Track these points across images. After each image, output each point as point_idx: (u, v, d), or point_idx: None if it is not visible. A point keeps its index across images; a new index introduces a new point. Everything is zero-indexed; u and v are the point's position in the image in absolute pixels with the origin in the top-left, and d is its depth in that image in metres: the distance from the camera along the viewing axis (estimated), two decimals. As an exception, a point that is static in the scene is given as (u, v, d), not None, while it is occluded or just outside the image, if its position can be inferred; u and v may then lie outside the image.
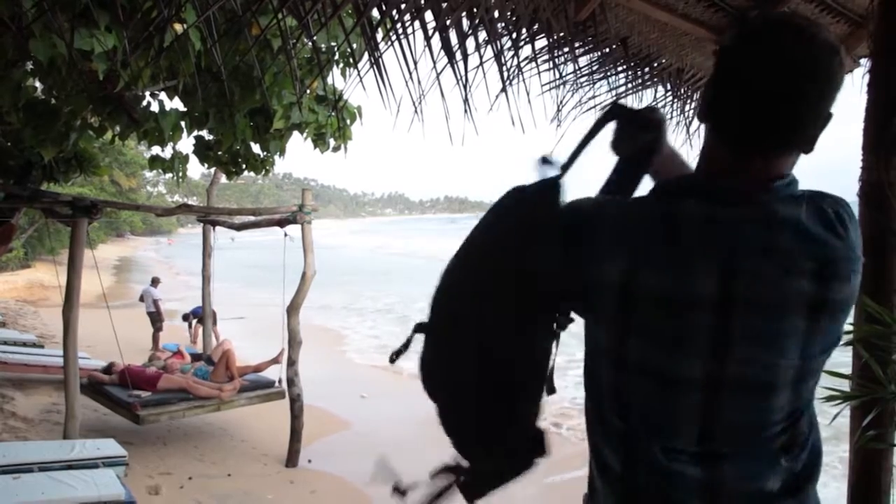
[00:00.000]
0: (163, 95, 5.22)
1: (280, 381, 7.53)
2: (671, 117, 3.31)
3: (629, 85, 3.13)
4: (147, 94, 5.05)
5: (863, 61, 3.53)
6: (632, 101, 3.18)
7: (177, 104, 5.30)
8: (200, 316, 11.40)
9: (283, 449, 6.97)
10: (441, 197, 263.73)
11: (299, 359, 7.20)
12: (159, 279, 14.66)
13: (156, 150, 5.95)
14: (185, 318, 13.32)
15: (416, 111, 2.12)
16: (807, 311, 1.02)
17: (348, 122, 5.50)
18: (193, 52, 3.27)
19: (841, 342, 2.54)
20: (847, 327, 2.61)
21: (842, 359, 2.79)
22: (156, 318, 13.22)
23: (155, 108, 4.92)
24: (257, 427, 7.90)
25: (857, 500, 2.56)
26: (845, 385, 2.59)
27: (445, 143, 2.11)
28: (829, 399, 2.51)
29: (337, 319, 17.52)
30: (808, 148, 1.09)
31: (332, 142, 5.68)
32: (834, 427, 2.87)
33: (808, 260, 1.01)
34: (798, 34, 1.00)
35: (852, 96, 2.92)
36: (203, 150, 6.08)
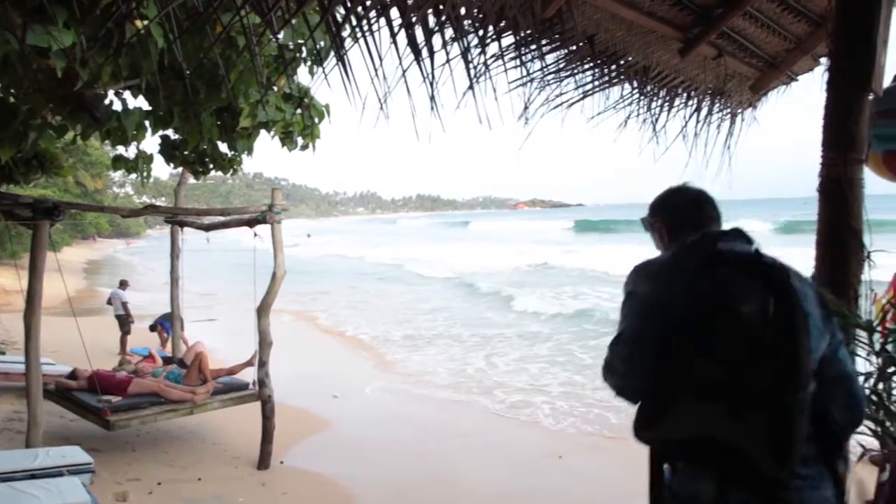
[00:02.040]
0: (126, 94, 5.12)
1: (254, 383, 7.45)
2: (637, 115, 3.35)
3: (596, 82, 3.15)
4: (110, 92, 4.95)
5: (822, 60, 3.62)
6: (598, 98, 3.21)
7: (141, 103, 5.22)
8: (165, 325, 11.24)
9: (256, 451, 6.89)
10: (413, 195, 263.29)
11: (269, 360, 7.13)
12: (127, 282, 14.42)
13: (120, 149, 5.84)
14: (153, 328, 13.10)
15: (382, 108, 2.10)
16: None
17: (316, 120, 5.45)
18: (156, 49, 3.21)
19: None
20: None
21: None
22: (124, 322, 12.99)
23: (118, 106, 4.82)
24: (230, 429, 7.80)
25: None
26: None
27: (417, 142, 2.10)
28: (791, 390, 2.57)
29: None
30: None
31: (300, 140, 5.63)
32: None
33: None
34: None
35: (812, 94, 2.99)
36: (169, 150, 5.97)
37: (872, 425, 2.49)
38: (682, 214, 1.80)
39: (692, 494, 1.54)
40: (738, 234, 1.68)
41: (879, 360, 2.49)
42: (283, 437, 7.17)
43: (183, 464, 6.81)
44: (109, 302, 13.47)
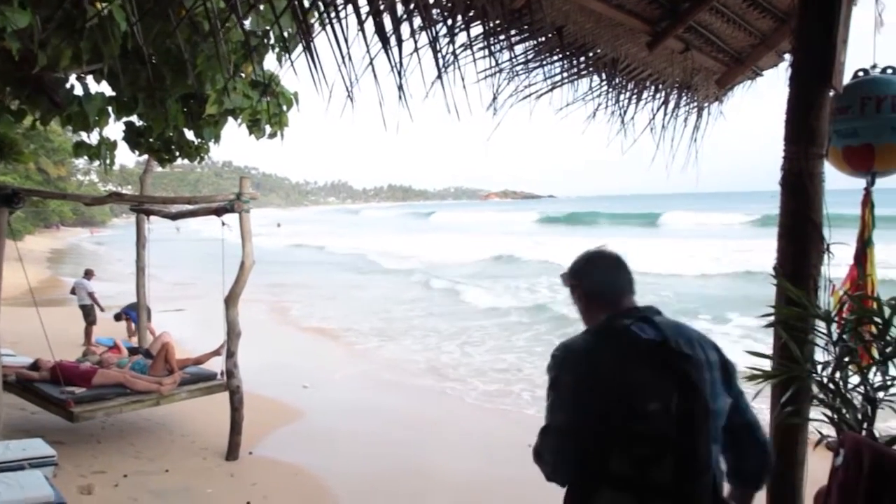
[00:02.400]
0: (89, 79, 4.98)
1: (222, 374, 7.37)
2: (606, 107, 3.37)
3: (565, 74, 3.17)
4: (72, 76, 4.81)
5: (786, 56, 3.68)
6: (566, 90, 3.22)
7: (104, 88, 5.08)
8: (131, 315, 11.07)
9: (225, 442, 6.83)
10: (385, 185, 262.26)
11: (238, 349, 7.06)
12: (93, 271, 14.14)
13: (82, 135, 5.70)
14: (118, 317, 12.88)
15: (349, 96, 2.08)
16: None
17: (284, 108, 5.38)
18: (118, 33, 3.12)
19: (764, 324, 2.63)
20: (769, 310, 2.74)
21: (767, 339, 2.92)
22: (89, 312, 12.75)
23: (80, 91, 4.69)
24: (198, 420, 7.71)
25: (776, 471, 2.69)
26: (767, 365, 2.71)
27: (388, 132, 2.08)
28: (751, 378, 2.62)
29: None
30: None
31: (268, 128, 5.55)
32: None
33: None
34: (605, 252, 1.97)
35: (777, 90, 3.04)
36: (134, 137, 5.85)
37: (829, 412, 2.56)
38: (599, 282, 1.94)
39: None
40: (648, 314, 1.83)
41: (837, 350, 2.56)
42: (253, 428, 7.12)
43: (150, 455, 6.72)
44: (73, 292, 13.21)
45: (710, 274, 22.03)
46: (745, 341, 11.62)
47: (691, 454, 1.67)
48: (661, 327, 1.78)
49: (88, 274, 13.63)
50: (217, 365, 7.54)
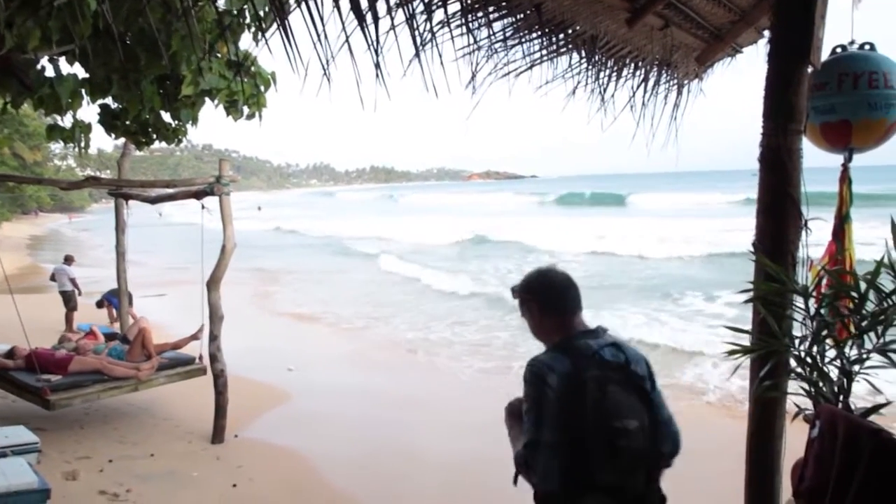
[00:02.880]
0: (61, 60, 4.87)
1: (201, 358, 7.33)
2: (586, 85, 3.35)
3: (544, 52, 3.14)
4: (43, 58, 4.70)
5: (765, 33, 3.67)
6: (545, 68, 3.20)
7: (78, 70, 4.96)
8: (112, 301, 10.97)
9: (209, 426, 6.82)
10: (367, 167, 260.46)
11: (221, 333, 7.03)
12: (73, 257, 13.99)
13: (56, 119, 5.58)
14: (99, 304, 12.76)
15: (325, 75, 2.05)
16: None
17: (262, 88, 5.30)
18: (89, 12, 3.04)
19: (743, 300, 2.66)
20: (747, 285, 2.77)
21: (745, 315, 2.95)
22: (69, 298, 12.62)
23: (51, 73, 4.58)
24: (182, 405, 7.69)
25: (755, 443, 2.74)
26: (746, 340, 2.75)
27: (367, 112, 2.06)
28: (731, 353, 2.66)
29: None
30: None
31: (245, 109, 5.47)
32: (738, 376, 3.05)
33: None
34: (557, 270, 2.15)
35: (755, 67, 3.04)
36: (109, 120, 5.74)
37: (806, 386, 2.60)
38: (553, 297, 2.11)
39: None
40: (605, 335, 2.06)
41: (814, 324, 2.59)
42: (238, 412, 7.12)
43: (134, 440, 6.70)
44: (53, 278, 13.06)
45: (693, 255, 22.07)
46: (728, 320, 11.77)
47: (655, 463, 1.99)
48: (623, 349, 2.01)
49: (68, 260, 13.47)
50: (196, 349, 7.51)
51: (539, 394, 1.91)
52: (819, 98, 3.07)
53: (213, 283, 6.94)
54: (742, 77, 3.90)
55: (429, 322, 13.38)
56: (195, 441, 6.76)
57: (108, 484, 5.56)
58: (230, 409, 6.90)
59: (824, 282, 2.75)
